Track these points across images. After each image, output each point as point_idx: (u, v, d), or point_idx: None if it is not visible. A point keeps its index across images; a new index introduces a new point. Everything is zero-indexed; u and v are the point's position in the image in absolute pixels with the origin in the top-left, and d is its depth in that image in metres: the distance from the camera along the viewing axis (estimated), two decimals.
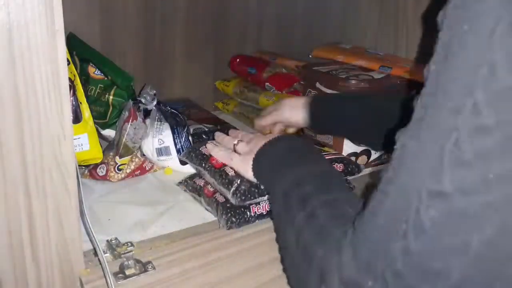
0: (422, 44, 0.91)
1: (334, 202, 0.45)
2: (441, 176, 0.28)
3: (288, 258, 0.47)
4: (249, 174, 0.60)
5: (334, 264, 0.36)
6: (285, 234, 0.48)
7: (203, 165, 0.67)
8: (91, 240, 0.50)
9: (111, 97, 0.88)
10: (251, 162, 0.60)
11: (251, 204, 0.62)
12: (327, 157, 0.73)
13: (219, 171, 0.64)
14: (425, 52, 0.32)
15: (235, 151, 0.65)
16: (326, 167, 0.56)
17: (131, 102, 0.79)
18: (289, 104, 0.81)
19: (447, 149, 0.28)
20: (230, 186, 0.61)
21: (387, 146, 0.78)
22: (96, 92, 0.88)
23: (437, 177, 0.29)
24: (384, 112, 0.72)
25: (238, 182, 0.61)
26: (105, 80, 0.88)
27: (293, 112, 0.79)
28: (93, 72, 0.88)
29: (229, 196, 0.61)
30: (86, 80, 0.88)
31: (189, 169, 0.79)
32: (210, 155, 0.67)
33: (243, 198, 0.60)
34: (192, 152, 0.71)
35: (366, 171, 0.84)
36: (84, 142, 0.66)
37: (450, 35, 0.29)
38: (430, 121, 0.30)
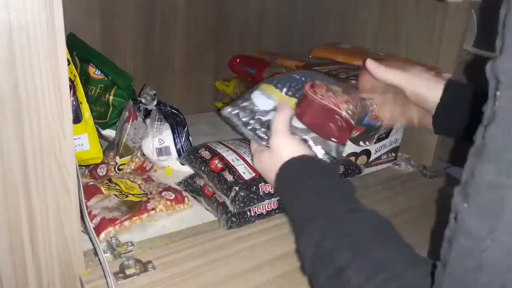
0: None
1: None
2: None
3: None
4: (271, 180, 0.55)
5: None
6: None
7: (202, 168, 0.67)
8: (91, 240, 0.50)
9: (111, 97, 0.88)
10: (274, 173, 0.53)
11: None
12: None
13: (218, 175, 0.63)
14: None
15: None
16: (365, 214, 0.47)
17: (131, 102, 0.79)
18: (426, 76, 0.60)
19: None
20: (228, 193, 0.60)
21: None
22: (97, 92, 0.88)
23: None
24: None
25: (237, 188, 0.60)
26: (105, 80, 0.88)
27: (430, 86, 0.58)
28: (93, 72, 0.88)
29: (228, 203, 0.60)
30: (86, 80, 0.88)
31: (189, 169, 0.79)
32: (210, 159, 0.67)
33: (242, 205, 0.60)
34: (192, 154, 0.70)
35: (366, 171, 0.84)
36: (84, 142, 0.66)
37: None
38: None
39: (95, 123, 0.68)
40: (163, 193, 0.66)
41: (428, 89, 0.59)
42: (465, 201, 0.28)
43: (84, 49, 0.88)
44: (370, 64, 0.61)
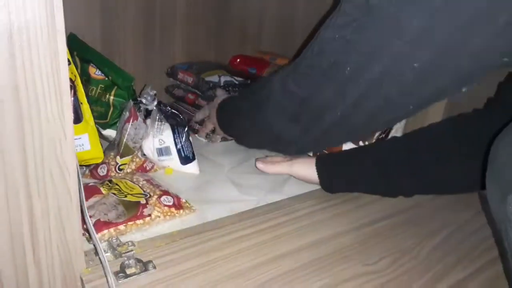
0: None
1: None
2: None
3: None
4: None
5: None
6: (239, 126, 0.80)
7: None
8: (92, 239, 0.50)
9: (111, 97, 0.88)
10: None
11: None
12: None
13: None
14: None
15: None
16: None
17: (131, 102, 0.79)
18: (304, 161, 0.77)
19: None
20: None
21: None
22: (97, 93, 0.88)
23: None
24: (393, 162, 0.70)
25: None
26: (106, 80, 0.88)
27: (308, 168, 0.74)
28: (94, 72, 0.89)
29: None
30: (86, 80, 0.88)
31: (190, 169, 0.80)
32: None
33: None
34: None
35: None
36: (85, 142, 0.66)
37: None
38: None
39: (95, 123, 0.68)
40: (161, 198, 0.65)
41: (307, 171, 0.75)
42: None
43: (85, 49, 0.88)
44: (259, 165, 0.80)
